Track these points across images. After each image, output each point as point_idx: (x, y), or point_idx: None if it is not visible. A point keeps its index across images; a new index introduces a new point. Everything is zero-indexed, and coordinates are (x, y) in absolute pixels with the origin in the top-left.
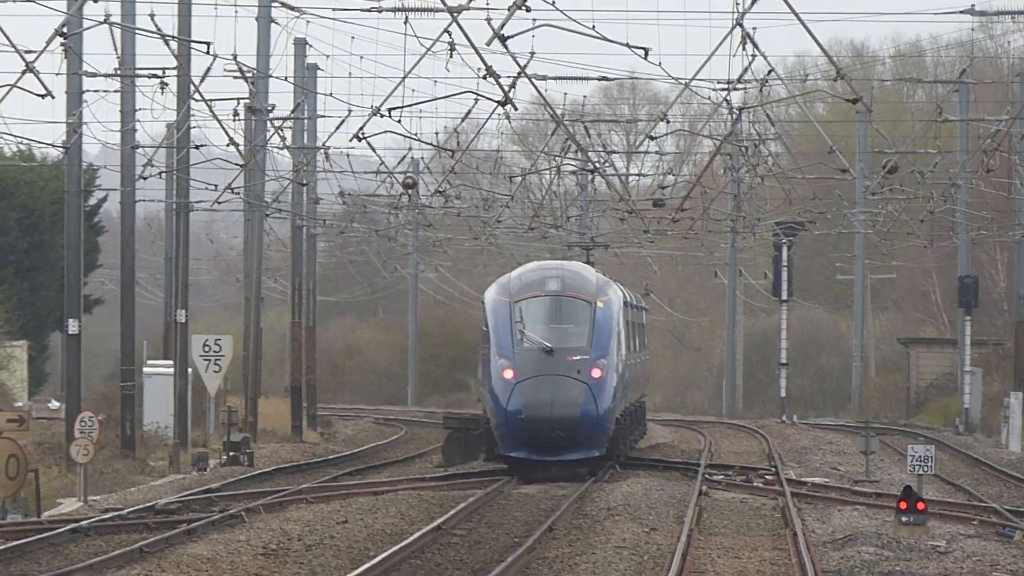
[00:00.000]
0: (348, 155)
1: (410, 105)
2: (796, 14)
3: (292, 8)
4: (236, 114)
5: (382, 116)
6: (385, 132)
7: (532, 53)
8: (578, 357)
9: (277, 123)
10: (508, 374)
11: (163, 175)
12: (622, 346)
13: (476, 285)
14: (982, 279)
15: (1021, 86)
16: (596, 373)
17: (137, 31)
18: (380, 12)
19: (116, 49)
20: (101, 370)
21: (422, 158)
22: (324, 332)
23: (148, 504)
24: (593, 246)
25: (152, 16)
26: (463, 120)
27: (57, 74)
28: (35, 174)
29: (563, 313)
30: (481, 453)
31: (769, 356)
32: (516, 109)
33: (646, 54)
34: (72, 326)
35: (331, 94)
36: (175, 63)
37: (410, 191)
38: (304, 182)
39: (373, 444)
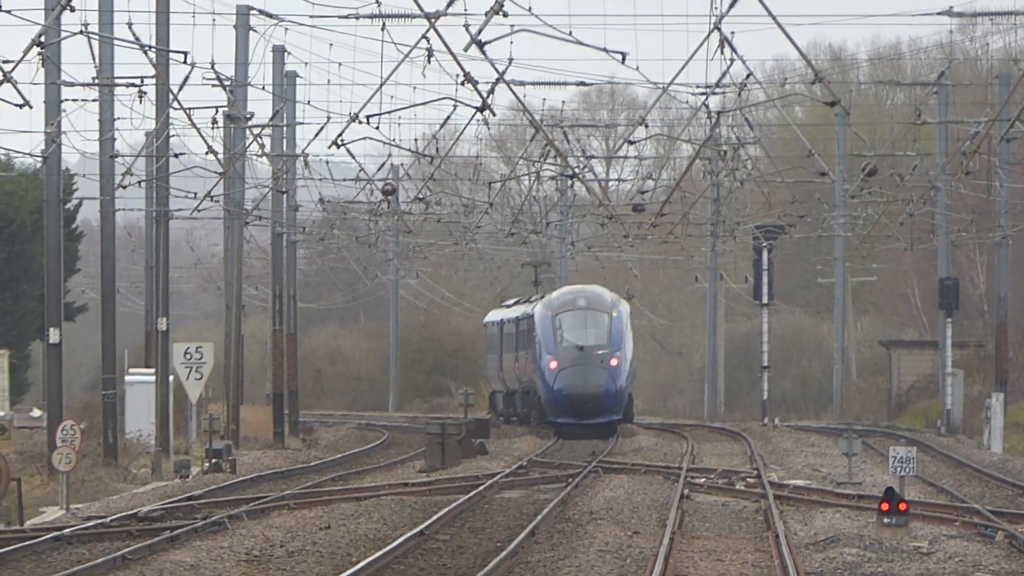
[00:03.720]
0: (327, 162)
1: (389, 112)
2: (774, 17)
3: (270, 16)
4: (215, 122)
5: (361, 123)
6: (364, 139)
7: (510, 59)
8: (601, 351)
9: (256, 131)
10: (553, 364)
11: (143, 184)
12: (629, 343)
13: (456, 290)
14: (962, 281)
15: (1000, 88)
16: (613, 362)
17: (115, 41)
18: (358, 19)
19: (94, 58)
20: (83, 379)
21: (401, 164)
22: (306, 339)
23: (131, 512)
24: (541, 264)
25: (130, 25)
26: (442, 126)
27: (35, 84)
28: (14, 184)
29: (589, 321)
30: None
31: (751, 360)
32: (494, 115)
33: (624, 59)
34: (53, 335)
35: (309, 102)
36: (153, 72)
37: (390, 197)
38: (284, 189)
39: (355, 450)
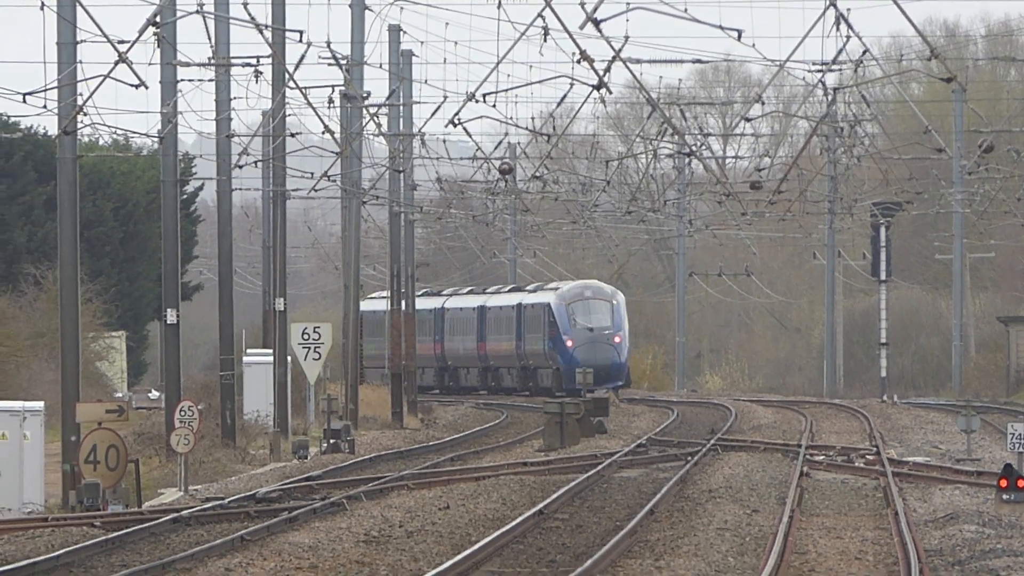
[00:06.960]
0: (444, 141)
1: (505, 90)
2: None
3: None
4: (331, 101)
5: (477, 101)
6: (481, 117)
7: (626, 37)
8: (607, 332)
9: (372, 110)
10: (569, 343)
11: (259, 163)
12: (626, 325)
13: (574, 269)
14: None
15: None
16: (617, 340)
17: (231, 20)
18: None
19: (210, 38)
20: (201, 359)
21: (518, 143)
22: None
23: (249, 493)
24: (421, 264)
25: (246, 5)
26: (558, 105)
27: (151, 64)
28: (130, 164)
29: (595, 308)
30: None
31: (869, 336)
32: (611, 93)
33: (739, 36)
34: (170, 316)
35: (426, 80)
36: (269, 51)
37: (507, 176)
38: (400, 169)
39: (474, 429)
